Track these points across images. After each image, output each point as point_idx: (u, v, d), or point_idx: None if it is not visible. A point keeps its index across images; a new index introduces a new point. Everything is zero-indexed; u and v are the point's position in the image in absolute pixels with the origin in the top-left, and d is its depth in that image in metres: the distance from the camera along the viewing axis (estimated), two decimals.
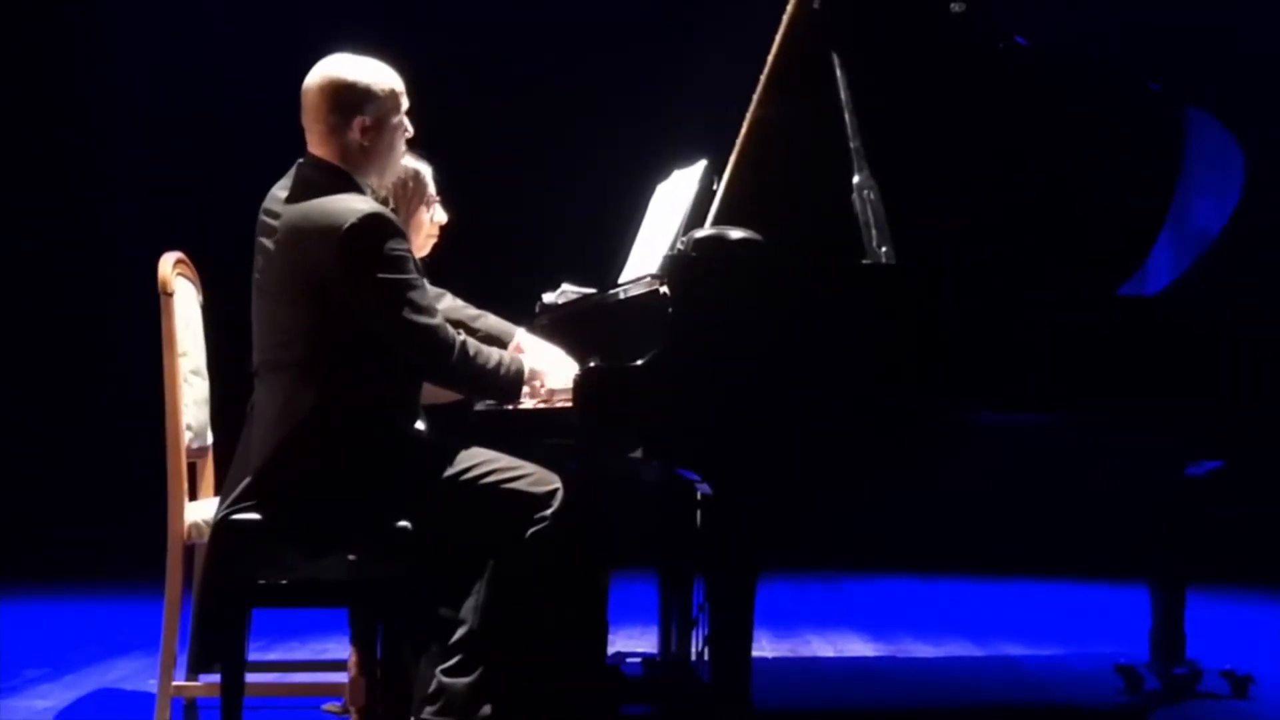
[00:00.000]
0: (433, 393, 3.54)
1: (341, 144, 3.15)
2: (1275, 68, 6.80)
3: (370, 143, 3.15)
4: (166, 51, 7.61)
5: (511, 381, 3.19)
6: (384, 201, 3.21)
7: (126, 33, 7.67)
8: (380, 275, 3.02)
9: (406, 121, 3.25)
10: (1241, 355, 3.51)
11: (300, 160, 3.19)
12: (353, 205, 3.05)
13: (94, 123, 7.68)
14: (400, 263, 3.05)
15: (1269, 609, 6.40)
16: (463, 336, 3.14)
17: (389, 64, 3.24)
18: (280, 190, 3.15)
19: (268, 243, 3.12)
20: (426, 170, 3.83)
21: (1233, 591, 6.45)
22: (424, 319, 3.06)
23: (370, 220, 3.03)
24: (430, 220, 3.84)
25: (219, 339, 3.97)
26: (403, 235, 3.10)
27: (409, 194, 3.78)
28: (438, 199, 3.87)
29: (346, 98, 3.14)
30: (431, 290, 3.74)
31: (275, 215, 3.11)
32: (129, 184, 7.66)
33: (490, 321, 3.80)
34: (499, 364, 3.17)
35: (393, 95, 3.19)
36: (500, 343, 3.63)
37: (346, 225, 3.01)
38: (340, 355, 3.06)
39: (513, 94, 7.45)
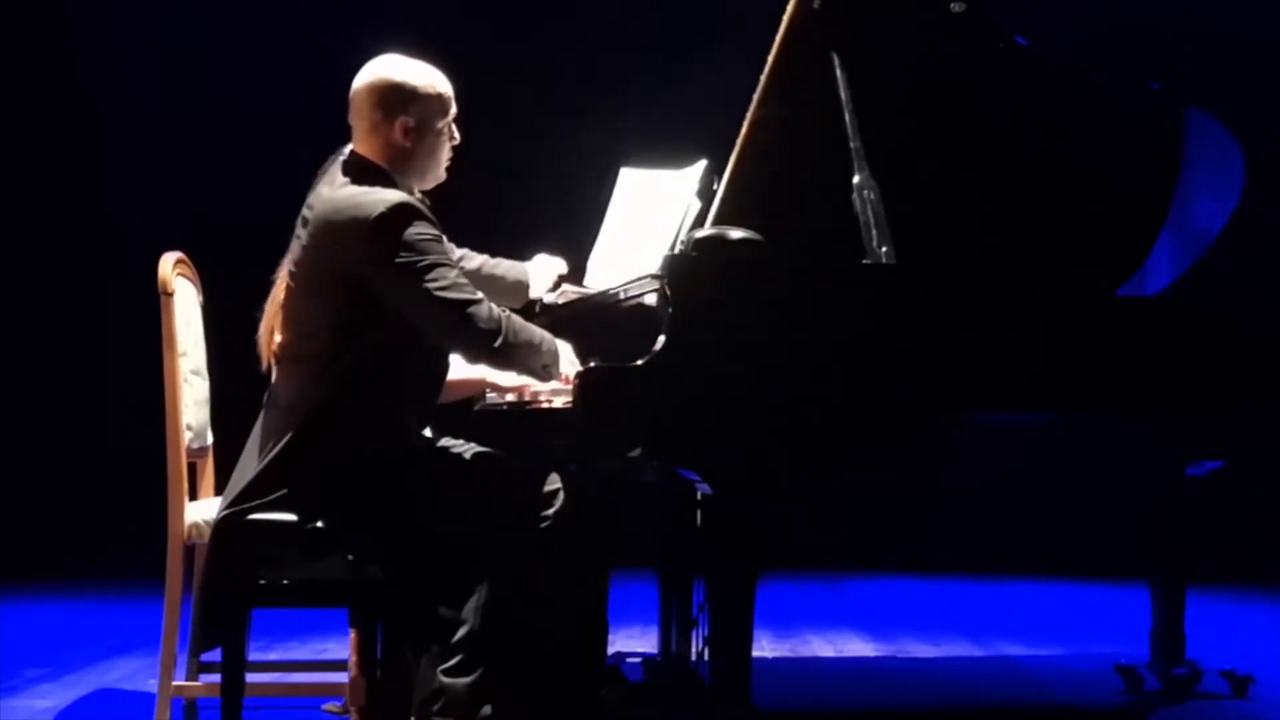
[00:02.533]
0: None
1: (383, 142, 3.16)
2: (1275, 68, 6.80)
3: (412, 144, 3.16)
4: (168, 51, 7.60)
5: (553, 357, 3.16)
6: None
7: (127, 31, 7.66)
8: (410, 260, 3.01)
9: (454, 129, 3.25)
10: (1241, 355, 3.51)
11: (343, 154, 3.20)
12: (381, 196, 3.05)
13: (94, 122, 7.67)
14: (429, 245, 3.05)
15: (1269, 609, 6.40)
16: (506, 312, 3.12)
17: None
18: (324, 186, 3.16)
19: (302, 234, 3.13)
20: None
21: (1233, 591, 6.45)
22: (461, 295, 3.04)
23: (397, 209, 3.03)
24: None
25: (219, 339, 3.97)
26: (432, 221, 3.10)
27: None
28: None
29: (392, 97, 3.15)
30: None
31: (311, 208, 3.12)
32: (129, 184, 7.66)
33: (506, 265, 3.77)
34: (542, 340, 3.16)
35: (439, 99, 3.20)
36: (524, 285, 3.67)
37: (375, 215, 3.01)
38: (361, 351, 3.06)
39: (513, 93, 7.45)
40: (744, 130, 3.49)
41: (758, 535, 3.13)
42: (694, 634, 4.00)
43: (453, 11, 7.45)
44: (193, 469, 3.81)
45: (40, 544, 7.15)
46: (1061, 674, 4.71)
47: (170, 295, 3.70)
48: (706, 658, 3.66)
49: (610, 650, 3.71)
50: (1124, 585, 5.98)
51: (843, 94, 3.43)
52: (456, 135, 3.27)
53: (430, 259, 3.04)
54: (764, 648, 5.13)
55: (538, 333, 3.17)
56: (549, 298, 4.04)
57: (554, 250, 3.88)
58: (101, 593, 6.60)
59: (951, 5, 3.57)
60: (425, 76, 3.20)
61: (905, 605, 6.44)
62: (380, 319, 3.06)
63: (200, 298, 3.96)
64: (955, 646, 5.27)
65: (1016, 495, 6.24)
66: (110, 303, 7.36)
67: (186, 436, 3.70)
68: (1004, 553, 6.94)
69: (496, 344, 3.07)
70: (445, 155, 3.25)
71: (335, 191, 3.10)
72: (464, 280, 3.10)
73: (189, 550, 3.66)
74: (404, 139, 3.16)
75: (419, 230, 3.04)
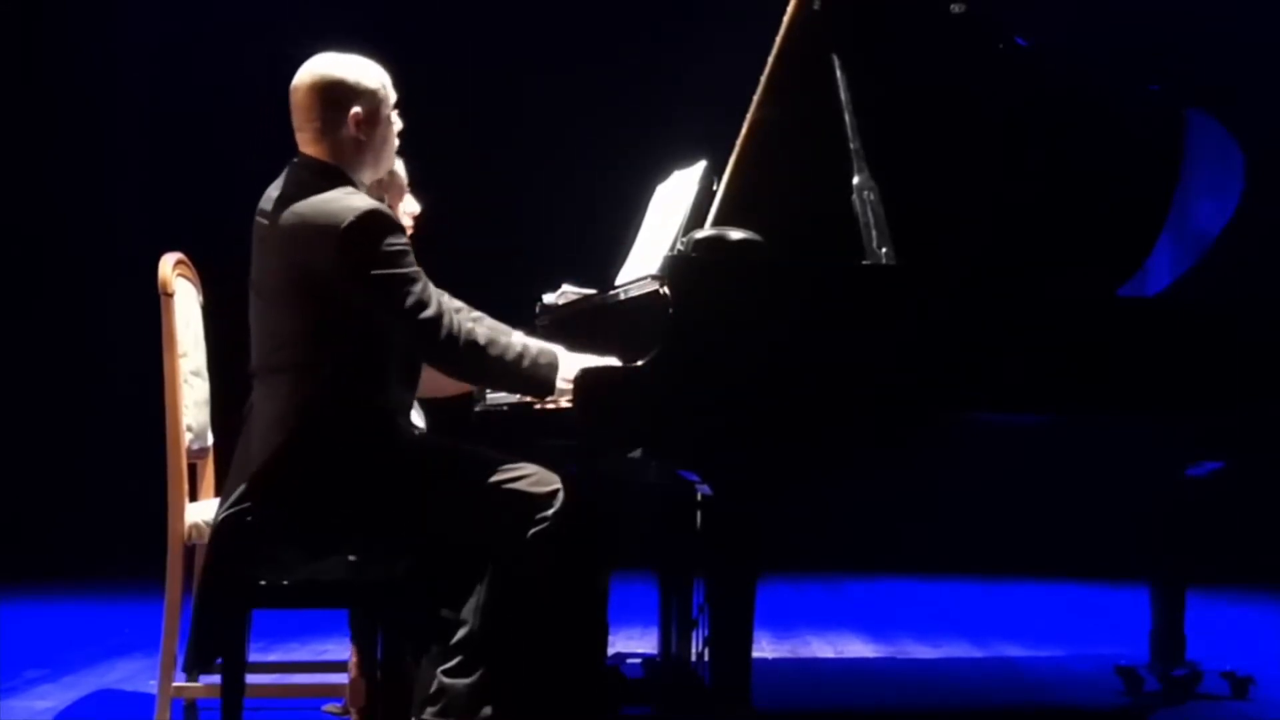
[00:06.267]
0: (434, 386, 3.53)
1: (335, 140, 3.15)
2: (1275, 68, 6.80)
3: (365, 136, 3.16)
4: (167, 50, 7.61)
5: (537, 376, 3.12)
6: (379, 199, 3.21)
7: (127, 31, 7.67)
8: (380, 271, 3.01)
9: (396, 116, 3.25)
10: (1241, 356, 3.51)
11: (294, 160, 3.18)
12: (349, 203, 3.05)
13: (94, 122, 7.68)
14: (399, 257, 3.04)
15: (1269, 609, 6.40)
16: (471, 325, 3.10)
17: (387, 62, 3.25)
18: (274, 191, 3.14)
19: (264, 245, 3.12)
20: (399, 165, 3.84)
21: (1233, 591, 6.45)
22: (427, 313, 3.03)
23: (368, 217, 3.02)
24: (404, 213, 3.88)
25: (219, 339, 3.97)
26: (401, 230, 3.09)
27: (386, 190, 3.79)
28: (408, 190, 3.90)
29: (339, 93, 3.14)
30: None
31: (270, 217, 3.11)
32: (129, 184, 7.66)
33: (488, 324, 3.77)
34: (520, 356, 3.11)
35: (382, 89, 3.21)
36: None
37: (345, 223, 3.01)
38: (339, 357, 3.05)
39: (513, 94, 7.46)
40: (744, 130, 3.49)
41: (758, 536, 3.13)
42: (694, 634, 4.00)
43: (453, 12, 7.45)
44: (193, 469, 3.81)
45: (40, 544, 7.16)
46: (1061, 675, 4.71)
47: (170, 296, 3.70)
48: (706, 658, 3.66)
49: (610, 650, 3.71)
50: (1124, 585, 5.99)
51: (843, 95, 3.43)
52: (399, 123, 3.27)
53: (407, 271, 3.03)
54: (764, 648, 5.13)
55: (519, 345, 3.12)
56: (549, 298, 4.05)
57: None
58: (101, 593, 6.61)
59: (951, 6, 3.57)
60: (364, 69, 3.20)
61: (905, 606, 6.45)
62: (355, 326, 3.05)
63: (200, 298, 3.96)
64: (955, 647, 5.27)
65: (1016, 495, 6.24)
66: (110, 303, 7.37)
67: (186, 437, 3.70)
68: (1004, 553, 6.95)
69: (460, 352, 3.05)
70: (394, 143, 3.26)
71: (296, 199, 3.07)
72: (433, 292, 3.07)
73: (189, 550, 3.66)
74: (357, 132, 3.15)
75: (393, 241, 3.03)
